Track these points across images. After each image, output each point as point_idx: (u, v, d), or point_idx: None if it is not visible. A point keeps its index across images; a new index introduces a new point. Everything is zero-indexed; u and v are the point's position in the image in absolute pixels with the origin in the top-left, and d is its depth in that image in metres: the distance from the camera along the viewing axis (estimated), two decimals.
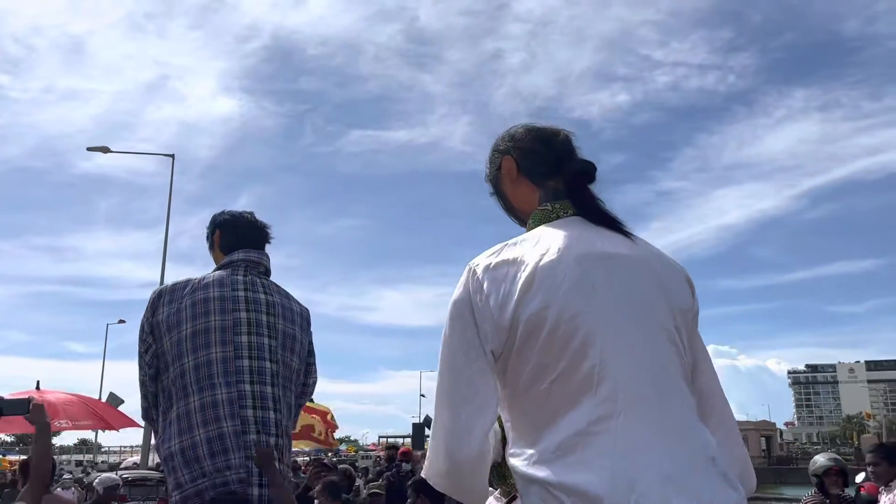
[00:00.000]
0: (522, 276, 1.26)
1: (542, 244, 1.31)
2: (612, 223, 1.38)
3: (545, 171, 1.46)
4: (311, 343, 2.51)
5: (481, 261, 1.33)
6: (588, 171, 1.42)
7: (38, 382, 7.29)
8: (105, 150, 18.48)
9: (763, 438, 52.41)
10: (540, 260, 1.27)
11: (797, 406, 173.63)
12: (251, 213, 2.57)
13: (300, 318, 2.45)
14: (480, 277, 1.30)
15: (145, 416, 2.39)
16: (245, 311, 2.28)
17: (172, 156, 18.62)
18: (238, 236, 2.48)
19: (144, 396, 2.34)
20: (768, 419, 65.90)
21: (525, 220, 1.48)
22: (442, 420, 1.32)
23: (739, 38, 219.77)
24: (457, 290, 1.34)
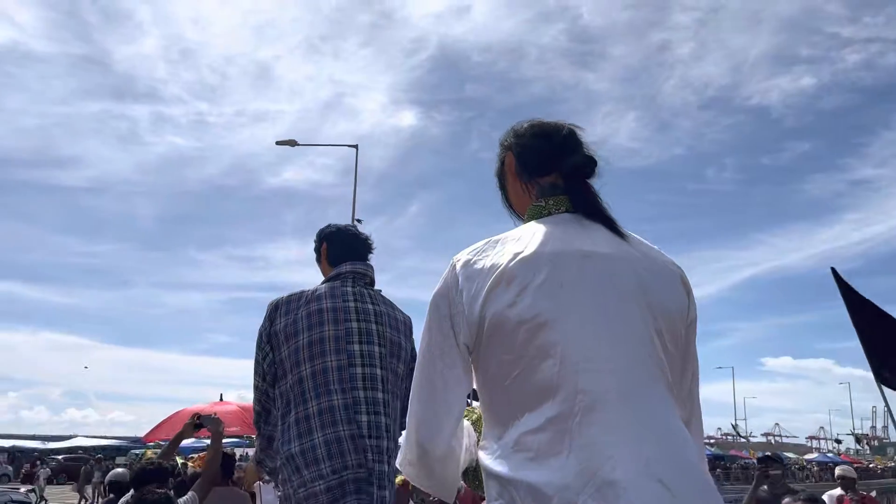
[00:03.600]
0: (494, 272, 1.24)
1: (522, 241, 1.28)
2: (603, 219, 1.34)
3: (543, 167, 1.41)
4: (413, 349, 2.58)
5: (462, 256, 1.32)
6: (585, 166, 1.37)
7: (220, 395, 8.15)
8: (293, 143, 18.92)
9: None
10: (514, 258, 1.25)
11: None
12: (355, 226, 2.75)
13: (404, 325, 2.57)
14: (458, 272, 1.29)
15: (256, 421, 2.49)
16: (356, 322, 2.41)
17: (356, 146, 18.92)
18: (344, 248, 2.62)
19: (258, 401, 2.46)
20: None
21: (522, 217, 1.45)
22: (414, 411, 1.32)
23: None
24: (438, 284, 1.33)
